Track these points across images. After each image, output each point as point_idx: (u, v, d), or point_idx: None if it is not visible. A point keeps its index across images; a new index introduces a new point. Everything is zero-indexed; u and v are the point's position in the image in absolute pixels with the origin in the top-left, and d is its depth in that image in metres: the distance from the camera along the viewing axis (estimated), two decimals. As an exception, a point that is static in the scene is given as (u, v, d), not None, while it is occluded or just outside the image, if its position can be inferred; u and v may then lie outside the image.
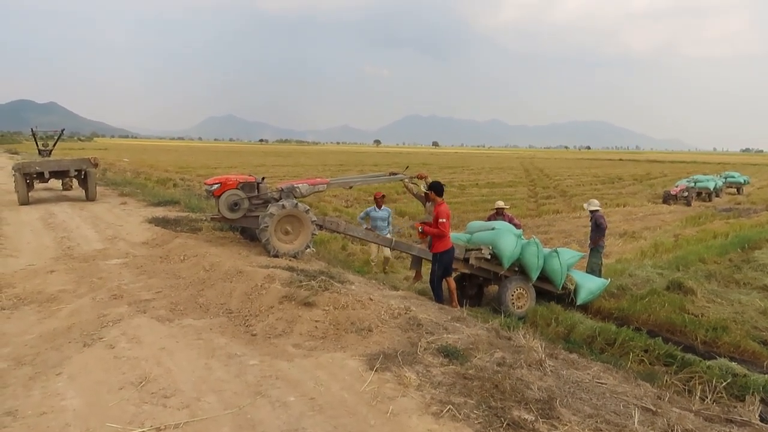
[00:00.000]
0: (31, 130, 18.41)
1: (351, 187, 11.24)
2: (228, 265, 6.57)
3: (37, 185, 15.14)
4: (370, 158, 68.49)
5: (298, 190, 8.01)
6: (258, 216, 7.72)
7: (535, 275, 8.16)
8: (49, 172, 14.06)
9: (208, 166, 40.40)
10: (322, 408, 3.36)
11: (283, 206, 7.54)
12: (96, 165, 14.80)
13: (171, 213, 11.79)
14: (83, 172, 14.39)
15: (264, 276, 6.01)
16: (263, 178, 8.57)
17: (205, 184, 8.49)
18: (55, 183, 16.42)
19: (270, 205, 7.70)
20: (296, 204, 7.68)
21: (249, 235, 8.68)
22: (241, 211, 7.95)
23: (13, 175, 13.62)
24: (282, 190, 8.01)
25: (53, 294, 5.85)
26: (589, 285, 8.49)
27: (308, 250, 7.89)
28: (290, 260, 7.33)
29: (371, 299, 5.45)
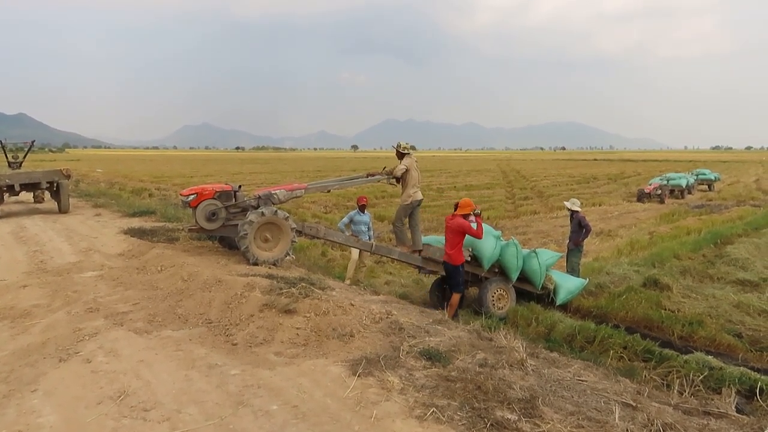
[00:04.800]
0: (0, 142, 17.98)
1: (329, 191, 11.12)
2: (206, 274, 6.49)
3: (8, 198, 14.78)
4: (348, 164, 68.41)
5: (275, 196, 7.95)
6: (237, 225, 7.64)
7: (515, 276, 8.23)
8: (20, 185, 13.75)
9: (184, 175, 39.94)
10: (305, 415, 3.34)
11: (263, 213, 7.49)
12: (68, 176, 14.50)
13: (147, 223, 11.61)
14: (55, 184, 14.10)
15: (243, 284, 5.95)
16: (240, 186, 8.48)
17: (180, 195, 8.37)
18: (26, 196, 16.04)
19: (249, 212, 7.62)
20: (276, 211, 7.62)
21: (227, 243, 8.59)
22: (219, 220, 7.86)
23: (-18, 188, 13.27)
24: (259, 197, 7.94)
25: (26, 309, 5.70)
26: (568, 285, 8.59)
27: (288, 257, 7.84)
28: (270, 268, 7.26)
29: (352, 305, 5.44)
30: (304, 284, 5.98)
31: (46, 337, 4.81)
